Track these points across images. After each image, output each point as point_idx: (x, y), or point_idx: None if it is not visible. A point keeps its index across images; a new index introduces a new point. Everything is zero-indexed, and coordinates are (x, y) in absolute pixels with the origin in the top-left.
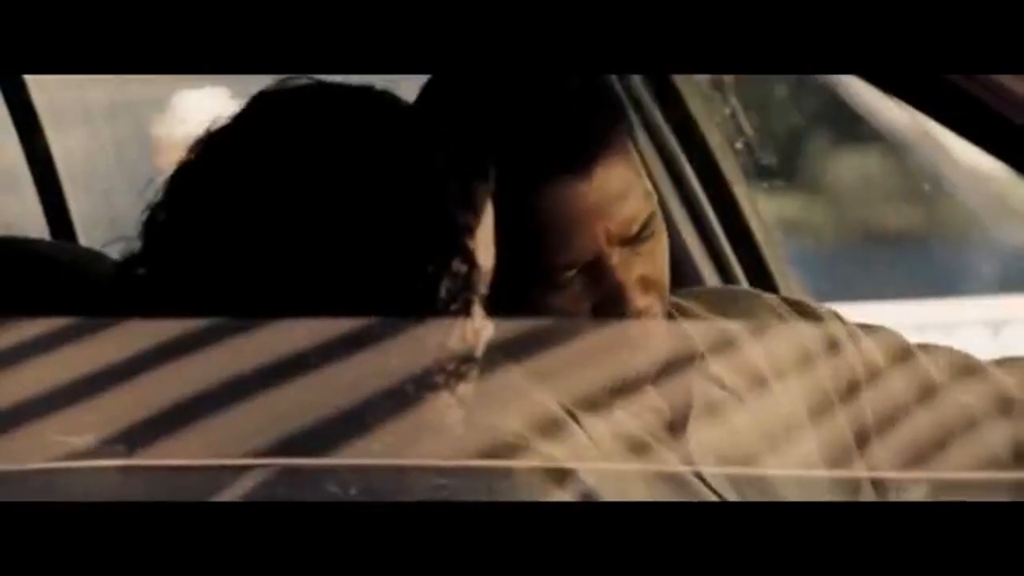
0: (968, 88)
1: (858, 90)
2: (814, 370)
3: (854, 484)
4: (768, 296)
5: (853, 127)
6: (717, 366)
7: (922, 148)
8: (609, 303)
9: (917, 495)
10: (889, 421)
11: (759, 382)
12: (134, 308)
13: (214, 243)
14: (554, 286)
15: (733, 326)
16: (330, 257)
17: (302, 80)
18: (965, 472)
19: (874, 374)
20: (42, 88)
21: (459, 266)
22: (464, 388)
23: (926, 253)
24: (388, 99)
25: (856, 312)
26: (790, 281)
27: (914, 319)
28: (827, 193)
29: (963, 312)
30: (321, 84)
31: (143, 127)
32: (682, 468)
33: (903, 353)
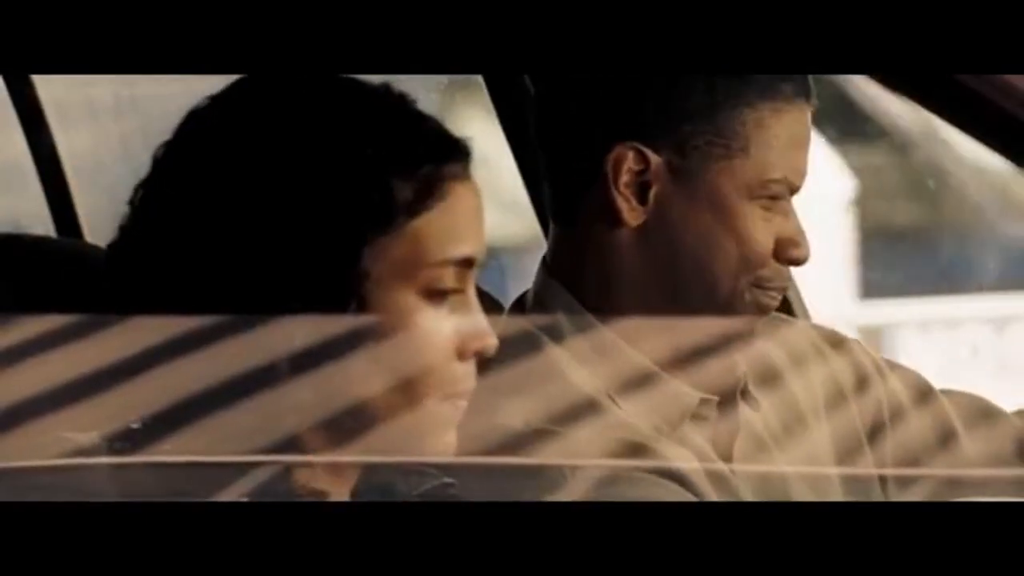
0: (973, 85)
1: (864, 87)
2: (846, 407)
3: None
4: (800, 323)
5: (858, 124)
6: (759, 394)
7: (927, 145)
8: (788, 243)
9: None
10: (907, 462)
11: (796, 416)
12: (117, 299)
13: (165, 226)
14: (762, 198)
15: (776, 354)
16: (258, 223)
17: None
18: (968, 470)
19: (898, 413)
20: (48, 85)
21: (391, 244)
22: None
23: (931, 249)
24: (349, 82)
25: (861, 309)
26: (794, 279)
27: (919, 315)
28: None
29: (968, 308)
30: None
31: (149, 123)
32: (683, 466)
33: (926, 395)
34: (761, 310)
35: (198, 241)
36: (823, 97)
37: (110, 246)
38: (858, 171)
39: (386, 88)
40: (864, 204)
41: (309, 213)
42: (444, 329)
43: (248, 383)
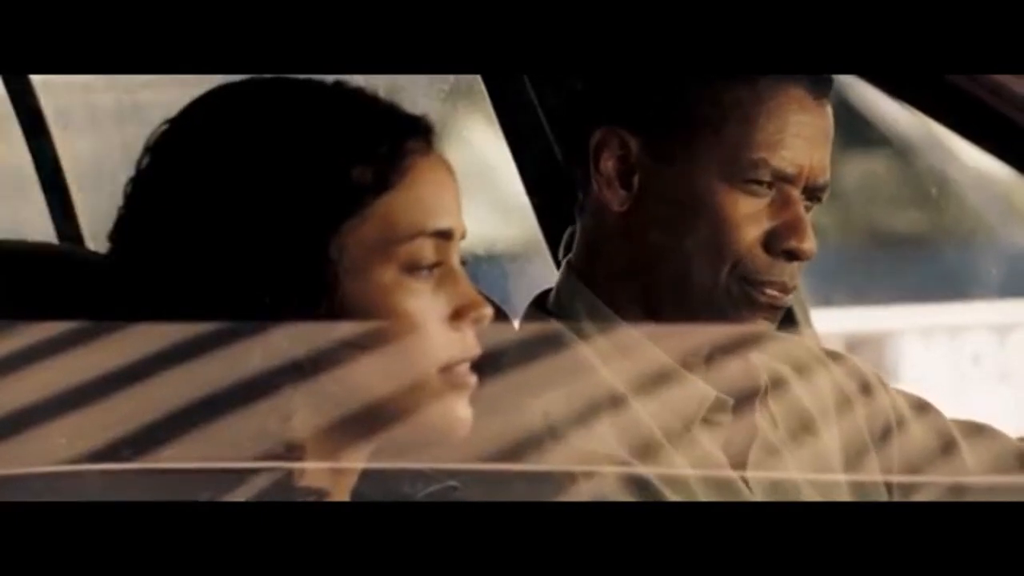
0: (969, 89)
1: (865, 94)
2: (854, 418)
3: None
4: (803, 338)
5: (860, 131)
6: (774, 404)
7: (929, 152)
8: (782, 234)
9: None
10: (911, 472)
11: (808, 427)
12: (110, 310)
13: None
14: (744, 182)
15: (785, 369)
16: (233, 214)
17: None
18: (971, 477)
19: (903, 424)
20: (49, 91)
21: (363, 226)
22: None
23: (933, 257)
24: (299, 81)
25: (864, 316)
26: (797, 286)
27: (921, 323)
28: (834, 197)
29: (970, 316)
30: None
31: (150, 130)
32: (681, 472)
33: (927, 409)
34: (755, 307)
35: (169, 250)
36: None
37: (104, 256)
38: (859, 177)
39: (337, 83)
40: (865, 211)
41: (270, 212)
42: (432, 301)
43: (244, 387)
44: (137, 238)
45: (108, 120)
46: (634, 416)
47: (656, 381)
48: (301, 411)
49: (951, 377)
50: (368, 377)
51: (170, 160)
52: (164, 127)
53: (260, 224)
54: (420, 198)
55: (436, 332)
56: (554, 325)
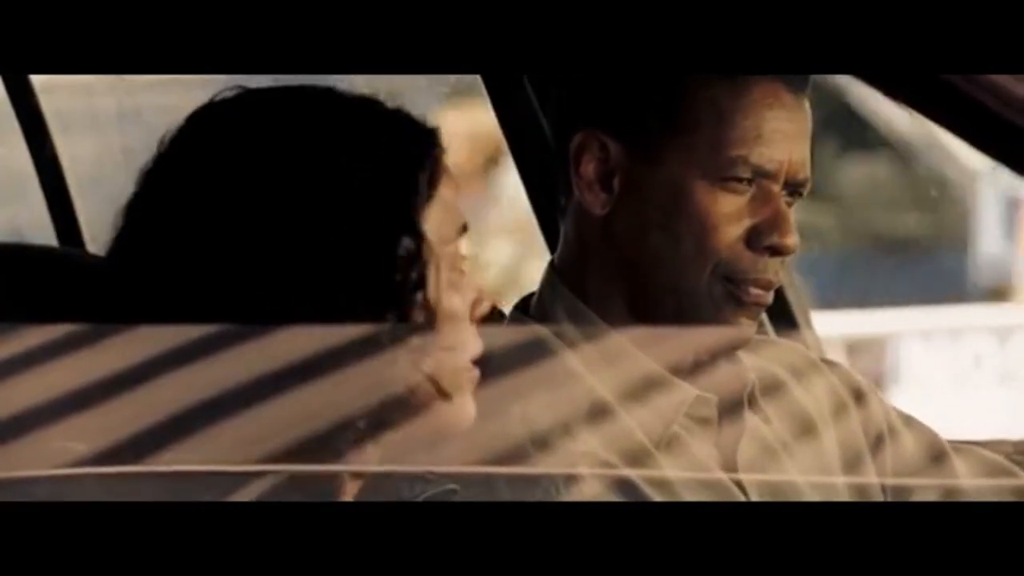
0: (967, 89)
1: (865, 96)
2: (849, 419)
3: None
4: (796, 344)
5: (861, 133)
6: (767, 402)
7: (929, 154)
8: (764, 229)
9: None
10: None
11: (803, 427)
12: (111, 314)
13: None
14: (726, 180)
15: (779, 370)
16: (268, 242)
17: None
18: (970, 480)
19: (894, 430)
20: (50, 94)
21: (407, 241)
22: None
23: (933, 259)
24: (312, 90)
25: (864, 318)
26: (797, 288)
27: (921, 325)
28: (834, 199)
29: (970, 318)
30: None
31: (151, 133)
32: (672, 474)
33: (912, 420)
34: (739, 306)
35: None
36: (824, 107)
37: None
38: (860, 180)
39: (364, 95)
40: (866, 213)
41: (353, 218)
42: (461, 297)
43: (255, 389)
44: (167, 243)
45: (109, 123)
46: (616, 418)
47: (638, 383)
48: (309, 413)
49: (952, 379)
50: (390, 375)
51: (232, 159)
52: (181, 126)
53: (327, 230)
54: (454, 204)
55: (466, 328)
56: (535, 328)
